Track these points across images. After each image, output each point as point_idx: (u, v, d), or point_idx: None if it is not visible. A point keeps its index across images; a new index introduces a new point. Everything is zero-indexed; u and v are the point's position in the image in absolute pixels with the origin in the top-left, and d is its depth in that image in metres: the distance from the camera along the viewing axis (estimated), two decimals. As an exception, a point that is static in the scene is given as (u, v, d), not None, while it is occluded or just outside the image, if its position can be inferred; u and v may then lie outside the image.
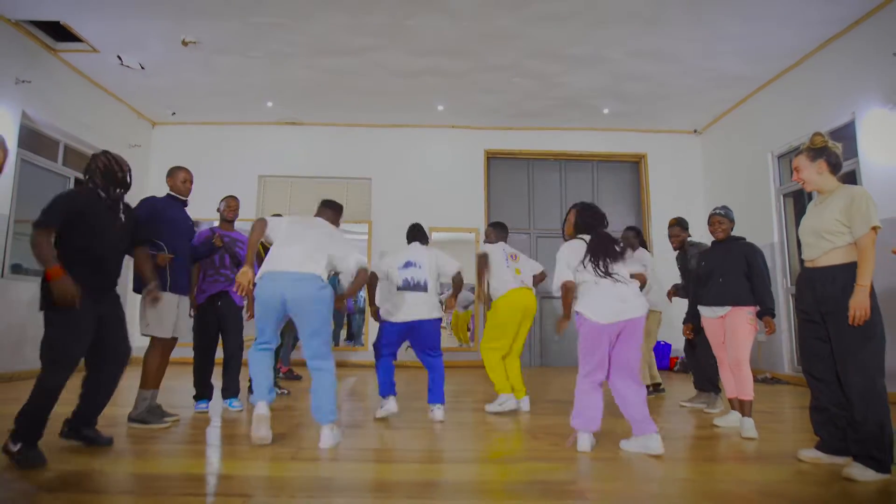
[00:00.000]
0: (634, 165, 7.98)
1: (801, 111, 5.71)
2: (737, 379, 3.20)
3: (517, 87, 6.48)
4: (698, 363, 4.01)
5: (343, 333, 7.61)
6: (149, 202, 3.35)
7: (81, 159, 6.37)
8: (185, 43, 5.37)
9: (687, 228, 4.34)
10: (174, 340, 3.36)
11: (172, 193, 3.47)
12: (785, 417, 3.98)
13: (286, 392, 4.53)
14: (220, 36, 5.35)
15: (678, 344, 7.08)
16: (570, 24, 5.08)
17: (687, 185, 7.71)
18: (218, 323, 3.82)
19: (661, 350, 7.04)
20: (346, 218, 7.62)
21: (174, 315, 3.28)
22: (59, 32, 5.34)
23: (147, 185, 7.45)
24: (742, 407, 3.18)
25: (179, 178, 3.47)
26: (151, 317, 3.18)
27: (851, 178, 4.90)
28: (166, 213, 3.34)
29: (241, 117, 7.49)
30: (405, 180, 7.61)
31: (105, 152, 2.80)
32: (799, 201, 5.99)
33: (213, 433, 3.13)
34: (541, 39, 5.37)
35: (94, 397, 2.62)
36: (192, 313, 3.67)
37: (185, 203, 3.51)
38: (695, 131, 7.73)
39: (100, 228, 2.59)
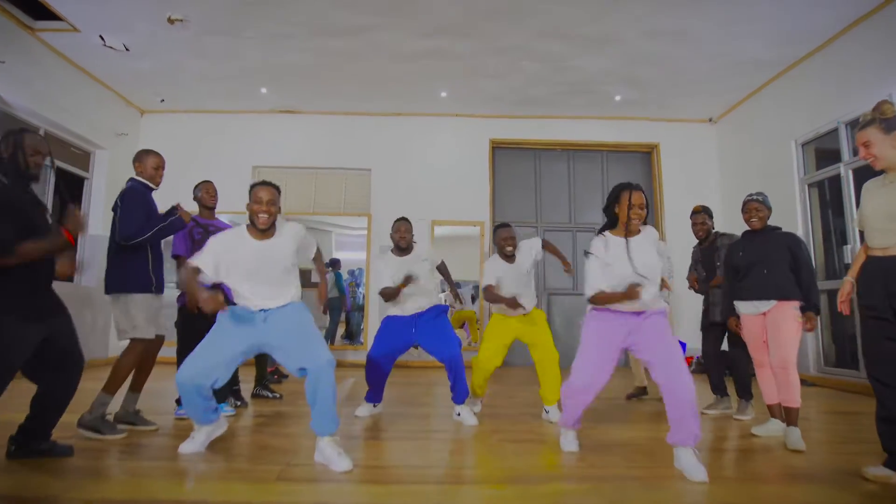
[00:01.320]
0: (646, 156, 7.62)
1: (828, 96, 5.36)
2: (782, 383, 2.86)
3: (524, 72, 6.11)
4: (740, 365, 3.63)
5: (341, 330, 7.26)
6: (135, 190, 2.97)
7: (64, 147, 6.03)
8: (171, 21, 5.00)
9: (713, 217, 3.97)
10: (160, 340, 3.06)
11: (141, 180, 3.06)
12: (823, 425, 3.63)
13: (279, 396, 4.19)
14: (208, 13, 4.99)
15: (696, 343, 6.75)
16: (584, -1, 4.73)
17: (701, 177, 7.35)
18: (207, 320, 3.49)
19: (676, 349, 6.70)
20: (344, 210, 7.41)
21: (157, 313, 2.97)
22: (36, 9, 4.97)
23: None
24: (788, 415, 2.84)
25: (151, 163, 3.08)
26: (139, 316, 2.86)
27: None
28: (141, 200, 2.98)
29: (234, 105, 7.13)
30: (406, 172, 7.26)
31: (21, 130, 2.37)
32: (828, 191, 5.64)
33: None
34: (551, 16, 5.01)
35: (46, 411, 2.29)
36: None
37: (153, 189, 3.14)
38: (710, 120, 7.37)
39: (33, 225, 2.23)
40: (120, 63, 5.89)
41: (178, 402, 3.42)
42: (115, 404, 3.01)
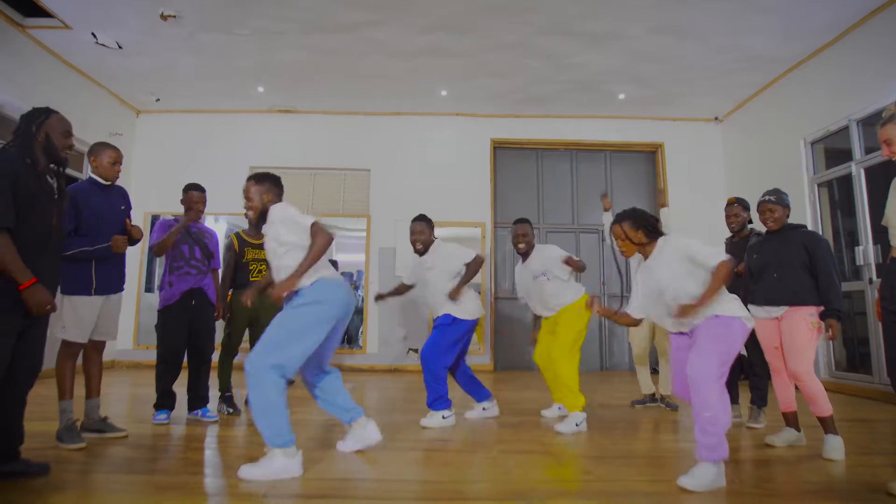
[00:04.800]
0: (650, 156, 7.48)
1: (838, 92, 5.21)
2: (806, 393, 2.70)
3: (526, 69, 5.98)
4: (758, 371, 3.47)
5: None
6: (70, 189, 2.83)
7: (56, 147, 5.90)
8: (164, 17, 4.88)
9: (748, 209, 3.70)
10: (99, 344, 2.93)
11: (94, 177, 2.92)
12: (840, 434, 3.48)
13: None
14: (201, 9, 4.86)
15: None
16: (588, -7, 4.60)
17: (706, 177, 7.20)
18: (189, 323, 3.38)
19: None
20: (342, 212, 7.28)
21: (94, 318, 2.80)
22: (27, 6, 4.86)
23: (130, 175, 6.99)
24: (822, 424, 2.69)
25: (107, 158, 2.92)
26: (69, 319, 2.72)
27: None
28: (89, 202, 2.81)
29: (230, 105, 7.01)
30: (406, 172, 7.12)
31: (48, 110, 2.32)
32: (838, 191, 5.49)
33: (169, 456, 2.65)
34: (554, 12, 4.88)
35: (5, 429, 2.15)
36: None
37: (111, 187, 2.96)
38: (716, 119, 7.23)
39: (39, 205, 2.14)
40: (113, 61, 5.77)
41: (157, 406, 3.32)
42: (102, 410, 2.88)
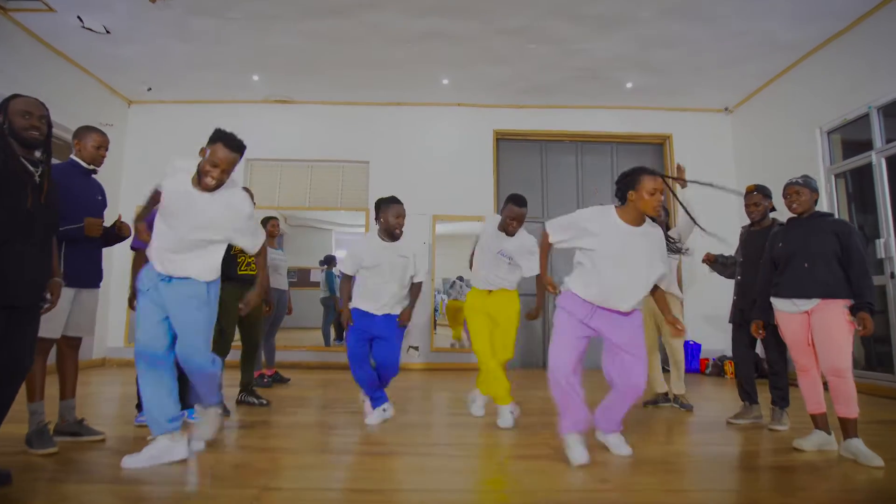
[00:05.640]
0: (658, 148, 7.25)
1: (857, 78, 4.98)
2: (837, 393, 2.50)
3: (531, 56, 5.75)
4: (779, 370, 3.27)
5: (332, 333, 6.89)
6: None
7: (42, 137, 5.68)
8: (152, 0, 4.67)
9: (770, 196, 3.50)
10: (75, 341, 2.75)
11: (76, 159, 2.77)
12: (871, 438, 3.25)
13: (266, 403, 3.84)
14: (192, -9, 4.65)
15: (711, 344, 6.40)
16: (597, -27, 4.38)
17: (716, 169, 6.90)
18: None
19: (690, 350, 6.35)
20: (340, 205, 7.07)
21: (65, 312, 2.59)
22: (8, -13, 4.65)
23: (122, 168, 6.78)
24: (844, 426, 2.49)
25: (92, 141, 2.78)
26: None
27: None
28: (66, 184, 2.61)
29: (225, 95, 6.78)
30: (406, 164, 6.89)
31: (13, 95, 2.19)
32: (853, 182, 5.28)
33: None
34: (561, -6, 4.67)
35: None
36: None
37: (93, 172, 2.84)
38: (725, 109, 7.01)
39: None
40: (101, 47, 5.54)
41: (139, 407, 3.12)
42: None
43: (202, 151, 2.37)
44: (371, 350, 3.27)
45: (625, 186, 2.45)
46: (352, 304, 3.29)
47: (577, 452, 2.35)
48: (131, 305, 3.14)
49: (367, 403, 3.32)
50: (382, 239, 3.27)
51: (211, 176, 2.33)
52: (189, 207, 2.36)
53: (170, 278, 2.37)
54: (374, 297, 3.23)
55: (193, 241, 2.38)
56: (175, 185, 2.40)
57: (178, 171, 2.43)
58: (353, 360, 3.22)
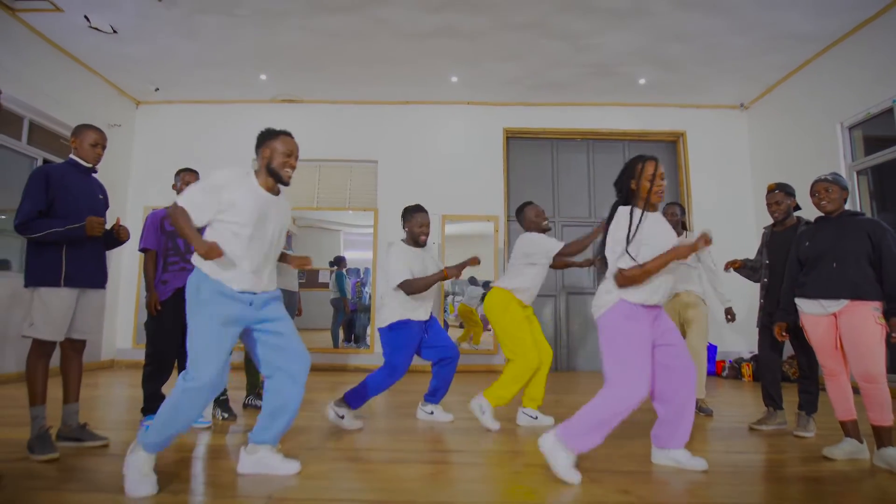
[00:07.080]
0: (672, 145, 7.11)
1: (881, 71, 4.83)
2: (871, 398, 2.38)
3: (542, 52, 5.65)
4: (808, 374, 3.14)
5: (340, 335, 6.81)
6: (41, 172, 2.57)
7: (50, 137, 5.67)
8: (159, -3, 4.62)
9: (794, 195, 3.34)
10: (79, 343, 2.67)
11: (75, 158, 2.70)
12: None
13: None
14: (199, -11, 4.60)
15: (727, 346, 6.26)
16: (611, -35, 4.27)
17: (731, 167, 6.84)
18: (183, 323, 3.11)
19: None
20: (349, 205, 7.00)
21: (68, 313, 2.52)
22: (15, -13, 4.63)
23: (130, 169, 6.76)
24: (880, 435, 2.36)
25: (89, 139, 2.70)
26: (37, 315, 2.45)
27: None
28: (64, 182, 2.57)
29: (232, 94, 6.75)
30: (415, 163, 6.82)
31: None
32: (874, 179, 5.12)
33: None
34: (574, -13, 4.56)
35: None
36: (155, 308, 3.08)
37: (91, 170, 2.77)
38: (741, 105, 6.85)
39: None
40: (109, 47, 5.52)
41: (144, 411, 3.06)
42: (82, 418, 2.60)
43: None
44: (420, 353, 3.34)
45: (626, 179, 2.33)
46: (402, 318, 3.20)
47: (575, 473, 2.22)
48: (153, 311, 3.09)
49: (348, 418, 3.17)
50: (412, 246, 3.35)
51: (291, 166, 2.29)
52: (275, 213, 2.27)
53: (265, 298, 2.23)
54: (423, 301, 3.30)
55: (278, 246, 2.30)
56: (249, 193, 2.19)
57: (234, 180, 2.17)
58: (399, 374, 3.18)
